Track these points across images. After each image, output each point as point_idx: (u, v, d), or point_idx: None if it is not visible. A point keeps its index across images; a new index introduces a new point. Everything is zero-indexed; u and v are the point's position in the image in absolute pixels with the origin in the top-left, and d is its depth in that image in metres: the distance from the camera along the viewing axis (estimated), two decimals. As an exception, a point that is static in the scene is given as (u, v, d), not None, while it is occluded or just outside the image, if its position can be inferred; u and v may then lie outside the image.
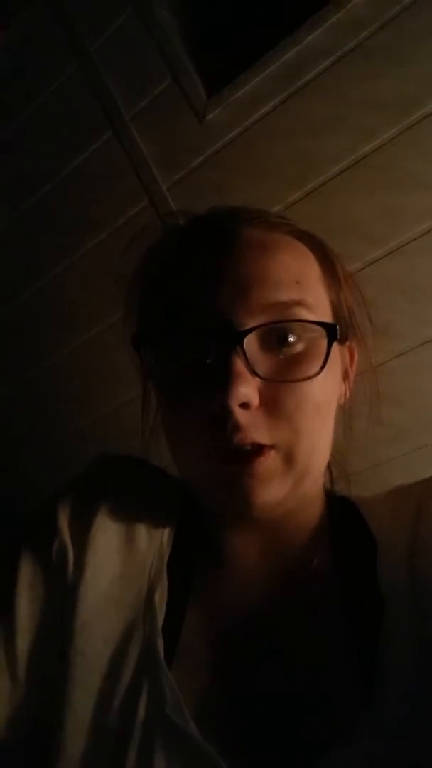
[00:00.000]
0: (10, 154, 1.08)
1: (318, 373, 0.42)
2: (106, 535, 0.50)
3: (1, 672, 0.44)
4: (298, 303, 0.43)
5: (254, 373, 0.41)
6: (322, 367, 0.42)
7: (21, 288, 1.13)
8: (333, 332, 0.43)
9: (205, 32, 1.00)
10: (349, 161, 0.85)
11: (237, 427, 0.40)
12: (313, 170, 0.88)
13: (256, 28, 0.93)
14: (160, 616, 0.46)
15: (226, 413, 0.39)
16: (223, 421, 0.40)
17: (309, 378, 0.42)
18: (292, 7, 0.87)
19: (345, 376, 0.53)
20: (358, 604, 0.44)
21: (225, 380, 0.39)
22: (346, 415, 0.55)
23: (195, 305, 0.44)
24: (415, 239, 0.84)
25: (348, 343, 0.53)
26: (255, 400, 0.41)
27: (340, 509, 0.52)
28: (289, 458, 0.43)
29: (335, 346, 0.46)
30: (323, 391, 0.44)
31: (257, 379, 0.41)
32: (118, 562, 0.49)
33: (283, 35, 0.85)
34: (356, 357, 0.55)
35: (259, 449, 0.41)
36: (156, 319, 0.48)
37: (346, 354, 0.53)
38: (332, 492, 0.55)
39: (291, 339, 0.43)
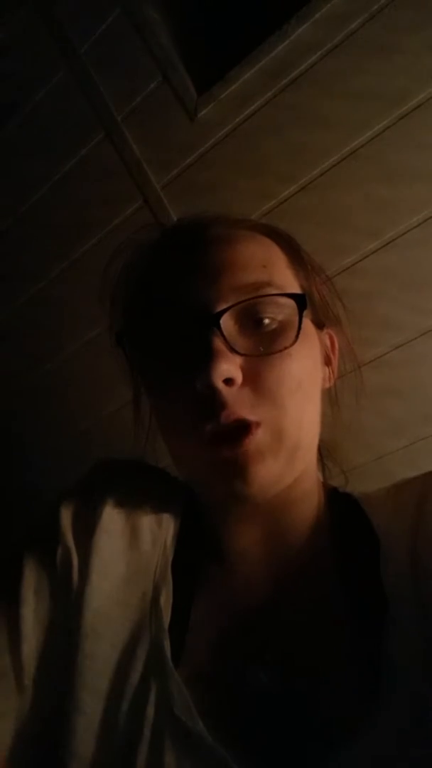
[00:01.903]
0: (3, 158, 1.08)
1: (293, 343, 0.44)
2: (110, 538, 0.50)
3: (8, 679, 0.45)
4: (267, 284, 0.45)
5: (233, 350, 0.42)
6: (296, 337, 0.44)
7: (19, 292, 1.14)
8: (302, 302, 0.45)
9: (194, 30, 1.00)
10: (342, 154, 0.85)
11: (223, 404, 0.42)
12: (305, 164, 0.87)
13: (245, 24, 0.93)
14: (166, 618, 0.46)
15: (212, 391, 0.41)
16: (210, 402, 0.42)
17: (285, 348, 0.44)
18: (279, 2, 0.87)
19: (327, 361, 0.54)
20: (361, 600, 0.44)
21: (207, 359, 0.41)
22: (333, 401, 0.57)
23: (173, 298, 0.46)
24: (410, 230, 0.84)
25: (327, 330, 0.55)
26: (237, 376, 0.42)
27: (342, 506, 0.53)
28: (277, 433, 0.44)
29: (313, 329, 0.49)
30: (303, 366, 0.46)
31: (237, 357, 0.43)
32: (122, 564, 0.50)
33: (271, 30, 0.85)
34: (337, 343, 0.56)
35: (246, 428, 0.42)
36: (138, 316, 0.50)
37: (326, 339, 0.55)
38: (334, 489, 0.55)
39: (265, 320, 0.45)
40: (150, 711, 0.41)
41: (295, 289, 0.49)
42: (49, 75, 1.00)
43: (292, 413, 0.44)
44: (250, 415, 0.42)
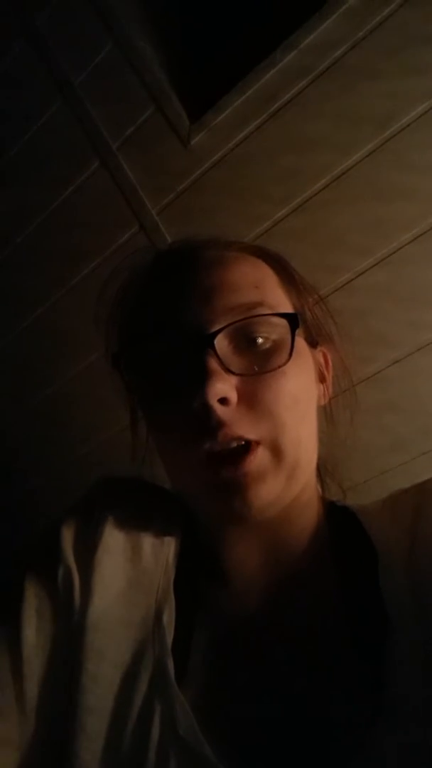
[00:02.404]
0: (2, 189, 1.11)
1: (287, 361, 0.44)
2: (112, 557, 0.50)
3: (10, 704, 0.44)
4: (259, 303, 0.46)
5: (228, 370, 0.43)
6: (290, 356, 0.44)
7: (19, 318, 1.15)
8: (294, 321, 0.45)
9: (185, 61, 1.03)
10: (332, 176, 0.87)
11: (220, 424, 0.42)
12: (297, 186, 0.89)
13: (235, 54, 0.95)
14: (169, 637, 0.46)
15: (207, 411, 0.41)
16: (206, 421, 0.42)
17: (279, 367, 0.44)
18: (266, 32, 0.89)
19: (322, 378, 0.55)
20: (361, 614, 0.44)
21: (202, 379, 0.41)
22: (329, 419, 0.57)
23: (167, 320, 0.46)
24: (402, 247, 0.85)
25: (321, 348, 0.55)
26: (233, 395, 0.42)
27: (339, 519, 0.52)
28: (276, 451, 0.44)
29: (306, 347, 0.50)
30: (298, 384, 0.46)
31: (232, 377, 0.43)
32: (124, 583, 0.49)
33: (259, 59, 0.88)
34: (331, 361, 0.57)
35: (246, 447, 0.42)
36: (133, 339, 0.51)
37: (320, 357, 0.55)
38: (331, 502, 0.55)
39: (259, 339, 0.45)
40: (155, 732, 0.41)
41: (288, 308, 0.49)
42: (46, 106, 1.03)
43: (290, 430, 0.44)
44: (248, 434, 0.43)
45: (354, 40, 0.82)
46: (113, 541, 0.51)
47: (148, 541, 0.52)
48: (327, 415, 0.57)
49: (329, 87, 0.85)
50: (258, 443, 0.43)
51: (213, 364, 0.42)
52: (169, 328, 0.46)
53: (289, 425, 0.44)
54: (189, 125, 0.94)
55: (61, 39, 1.00)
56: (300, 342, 0.48)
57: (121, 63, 0.96)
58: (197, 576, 0.51)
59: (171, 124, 0.95)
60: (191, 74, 1.01)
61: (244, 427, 0.43)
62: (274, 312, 0.46)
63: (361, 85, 0.83)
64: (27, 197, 1.09)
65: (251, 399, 0.43)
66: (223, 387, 0.41)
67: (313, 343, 0.53)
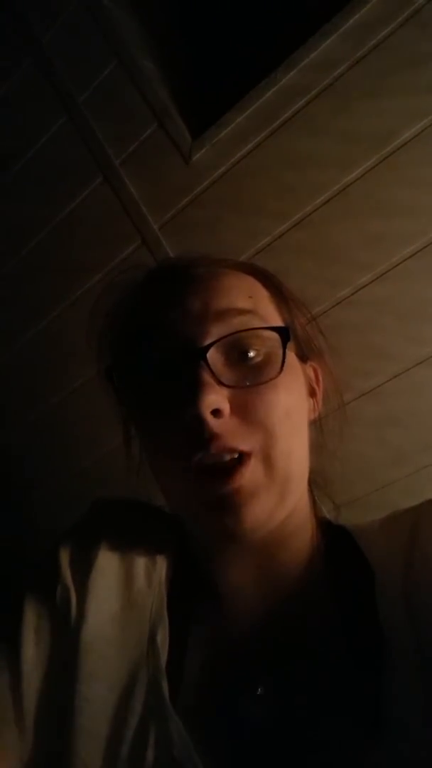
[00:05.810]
0: (6, 203, 1.12)
1: (278, 374, 0.45)
2: (105, 578, 0.50)
3: (9, 720, 0.44)
4: (251, 311, 0.46)
5: (220, 383, 0.43)
6: (281, 369, 0.45)
7: (20, 331, 1.16)
8: (285, 335, 0.45)
9: (188, 78, 1.04)
10: (333, 191, 0.88)
11: (212, 435, 0.42)
12: (298, 202, 0.90)
13: (235, 72, 0.97)
14: (164, 657, 0.46)
15: (200, 422, 0.41)
16: (198, 433, 0.42)
17: (271, 380, 0.44)
18: (268, 50, 0.91)
19: (312, 393, 0.55)
20: (358, 634, 0.44)
21: (194, 391, 0.41)
22: (318, 431, 0.57)
23: (160, 333, 0.47)
24: (402, 262, 0.85)
25: (311, 363, 0.56)
26: (225, 407, 0.42)
27: (335, 539, 0.52)
28: (268, 464, 0.44)
29: (296, 361, 0.50)
30: (289, 397, 0.46)
31: (224, 389, 0.43)
32: (117, 605, 0.49)
33: (261, 77, 0.89)
34: (321, 376, 0.57)
35: (238, 460, 0.42)
36: (126, 352, 0.51)
37: (311, 373, 0.55)
38: (327, 521, 0.55)
39: (251, 352, 0.45)
40: (150, 755, 0.41)
41: (278, 322, 0.50)
42: (50, 122, 1.05)
43: (282, 442, 0.44)
44: (241, 445, 0.43)
45: (354, 59, 0.83)
46: (107, 563, 0.51)
47: (141, 563, 0.52)
48: (318, 429, 0.57)
49: (329, 105, 0.86)
50: (250, 455, 0.43)
51: (205, 376, 0.42)
52: (161, 341, 0.47)
53: (281, 437, 0.44)
54: (191, 142, 0.95)
55: (66, 57, 1.02)
56: (291, 356, 0.48)
57: (125, 81, 0.98)
58: (191, 595, 0.51)
59: (173, 141, 0.96)
60: (193, 92, 1.02)
61: (236, 439, 0.43)
62: (266, 325, 0.46)
63: (361, 102, 0.84)
64: (31, 211, 1.10)
65: (243, 411, 0.43)
66: (216, 398, 0.41)
67: (303, 358, 0.53)
